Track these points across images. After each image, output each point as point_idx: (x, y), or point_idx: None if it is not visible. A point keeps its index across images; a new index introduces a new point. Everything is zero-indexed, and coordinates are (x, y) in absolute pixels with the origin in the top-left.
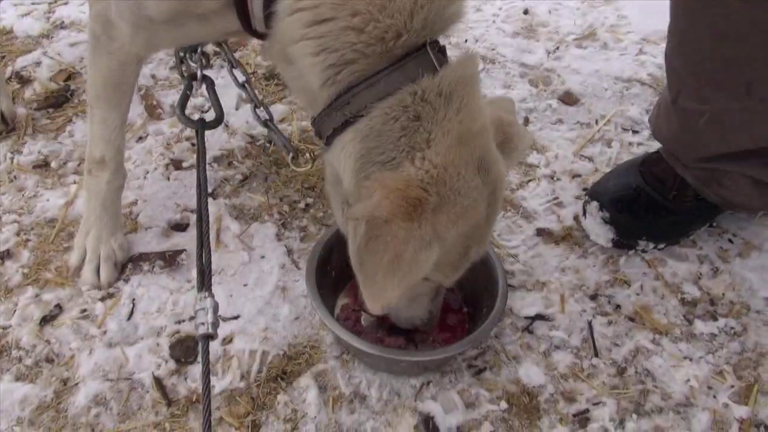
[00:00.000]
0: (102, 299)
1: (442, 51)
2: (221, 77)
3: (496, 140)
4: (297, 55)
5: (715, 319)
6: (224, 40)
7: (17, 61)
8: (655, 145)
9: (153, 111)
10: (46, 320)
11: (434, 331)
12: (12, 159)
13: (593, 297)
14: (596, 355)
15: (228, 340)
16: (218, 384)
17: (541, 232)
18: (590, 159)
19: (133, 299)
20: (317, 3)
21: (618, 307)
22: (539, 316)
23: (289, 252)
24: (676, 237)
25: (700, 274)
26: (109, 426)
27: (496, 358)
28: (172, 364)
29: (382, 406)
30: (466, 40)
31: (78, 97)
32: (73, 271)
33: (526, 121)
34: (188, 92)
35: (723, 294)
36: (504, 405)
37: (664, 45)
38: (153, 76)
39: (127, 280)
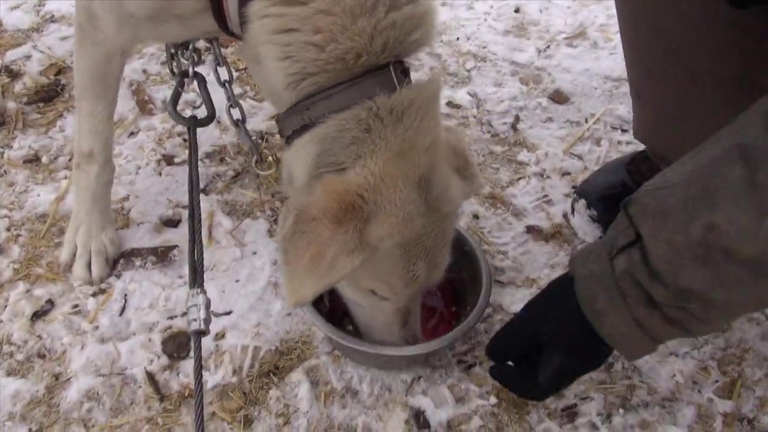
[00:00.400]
0: (94, 295)
1: (404, 72)
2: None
3: (456, 164)
4: (264, 57)
5: None
6: (214, 37)
7: (6, 54)
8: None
9: (144, 106)
10: (37, 315)
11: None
12: (2, 154)
13: None
14: None
15: (220, 336)
16: (210, 379)
17: (530, 230)
18: (580, 157)
19: (125, 295)
20: (284, 12)
21: None
22: None
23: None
24: None
25: None
26: (101, 421)
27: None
28: (164, 360)
29: (374, 400)
30: (458, 38)
31: (68, 91)
32: (63, 267)
33: (517, 119)
34: (180, 89)
35: None
36: (493, 400)
37: None
38: (144, 71)
39: (119, 276)
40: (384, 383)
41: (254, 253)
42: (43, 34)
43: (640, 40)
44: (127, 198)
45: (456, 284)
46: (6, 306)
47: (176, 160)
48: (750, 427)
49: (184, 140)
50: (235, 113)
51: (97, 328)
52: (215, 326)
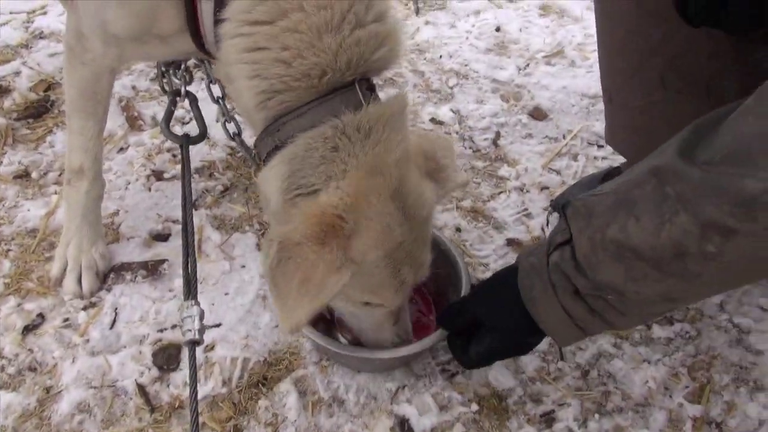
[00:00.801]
0: (84, 308)
1: (371, 89)
2: (201, 89)
3: (428, 169)
4: (235, 76)
5: (672, 324)
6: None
7: None
8: (619, 159)
9: (134, 122)
10: (28, 329)
11: None
12: None
13: None
14: (562, 358)
15: (210, 348)
16: (201, 390)
17: (511, 242)
18: (558, 172)
19: (116, 308)
20: (254, 31)
21: None
22: None
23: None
24: None
25: None
26: None
27: None
28: (155, 372)
29: (360, 409)
30: (441, 56)
31: (58, 107)
32: (54, 282)
33: (498, 135)
34: (172, 108)
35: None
36: (475, 407)
37: None
38: (134, 88)
39: (109, 290)
40: (369, 392)
41: (243, 266)
42: (32, 51)
43: (615, 43)
44: (117, 213)
45: (437, 280)
46: None
47: (166, 175)
48: (718, 431)
49: (174, 156)
50: (231, 127)
51: (87, 341)
52: (206, 336)
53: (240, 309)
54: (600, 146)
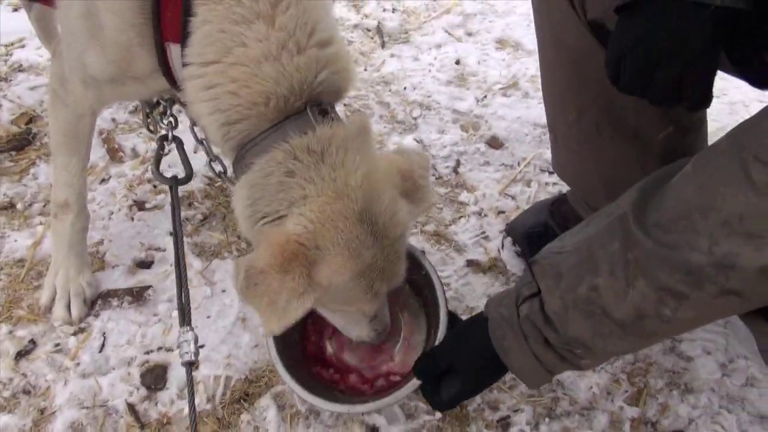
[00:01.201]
0: (74, 334)
1: (323, 113)
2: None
3: (405, 188)
4: (199, 114)
5: None
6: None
7: None
8: (567, 186)
9: (115, 154)
10: (21, 355)
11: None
12: None
13: None
14: None
15: (194, 367)
16: (187, 407)
17: (470, 263)
18: (513, 197)
19: (104, 333)
20: (207, 71)
21: None
22: None
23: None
24: None
25: None
26: None
27: None
28: (143, 391)
29: (334, 420)
30: (405, 88)
31: (40, 140)
32: (44, 309)
33: (458, 163)
34: (161, 152)
35: None
36: (438, 415)
37: None
38: (113, 120)
39: (97, 316)
40: None
41: (223, 291)
42: (12, 84)
43: (556, 97)
44: (101, 242)
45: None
46: None
47: (147, 205)
48: (653, 430)
49: (154, 186)
50: (217, 166)
51: (78, 364)
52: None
53: (222, 331)
54: (551, 173)
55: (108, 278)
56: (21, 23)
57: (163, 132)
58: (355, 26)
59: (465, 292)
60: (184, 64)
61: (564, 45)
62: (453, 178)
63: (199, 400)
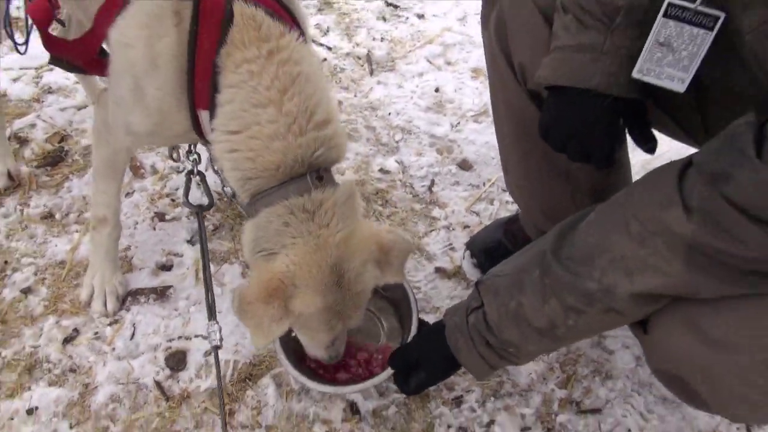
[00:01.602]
0: (110, 324)
1: (320, 178)
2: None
3: (377, 258)
4: (223, 167)
5: None
6: None
7: (14, 123)
8: None
9: (137, 171)
10: (66, 341)
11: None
12: (22, 211)
13: None
14: None
15: (209, 353)
16: (203, 384)
17: (438, 270)
18: (477, 214)
19: (134, 324)
20: (230, 139)
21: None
22: None
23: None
24: None
25: None
26: (123, 416)
27: None
28: (167, 371)
29: (320, 396)
30: (389, 113)
31: (71, 157)
32: (84, 304)
33: (432, 182)
34: (189, 185)
35: None
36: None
37: None
38: None
39: (128, 310)
40: None
41: (232, 290)
42: (44, 105)
43: (504, 141)
44: (128, 248)
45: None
46: (41, 334)
47: (167, 216)
48: (577, 408)
49: (172, 200)
50: (228, 190)
51: (114, 349)
52: (205, 345)
53: (231, 324)
54: None
55: (135, 279)
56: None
57: (189, 167)
58: (347, 54)
59: (432, 294)
60: (212, 129)
61: (510, 105)
62: (427, 196)
63: (213, 379)
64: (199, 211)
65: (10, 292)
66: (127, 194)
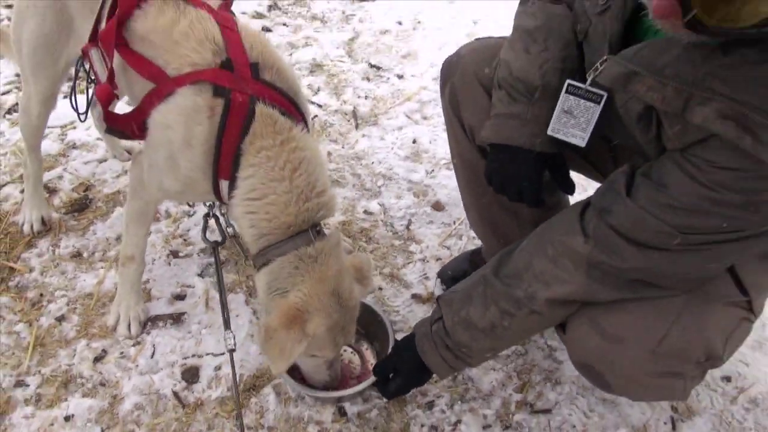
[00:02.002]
0: (133, 345)
1: (319, 232)
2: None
3: (358, 277)
4: (240, 225)
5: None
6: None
7: (44, 175)
8: None
9: (154, 215)
10: (97, 359)
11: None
12: (53, 251)
13: None
14: None
15: (218, 368)
16: (214, 394)
17: (414, 296)
18: (448, 248)
19: (154, 344)
20: (250, 203)
21: None
22: None
23: (254, 312)
24: None
25: None
26: (146, 421)
27: None
28: (183, 384)
29: (313, 402)
30: (372, 162)
31: (95, 204)
32: (111, 329)
33: (410, 222)
34: (206, 225)
35: None
36: (386, 400)
37: None
38: None
39: (148, 333)
40: None
41: (237, 315)
42: (69, 159)
43: (461, 185)
44: (148, 281)
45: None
46: (75, 354)
47: (180, 254)
48: (530, 408)
49: (185, 240)
50: (231, 230)
51: (137, 365)
52: (215, 361)
53: (236, 345)
54: None
55: (155, 307)
56: (71, 109)
57: (206, 211)
58: (336, 111)
59: (410, 317)
60: (232, 196)
61: (463, 157)
62: (405, 233)
63: (222, 389)
64: (215, 246)
65: (46, 320)
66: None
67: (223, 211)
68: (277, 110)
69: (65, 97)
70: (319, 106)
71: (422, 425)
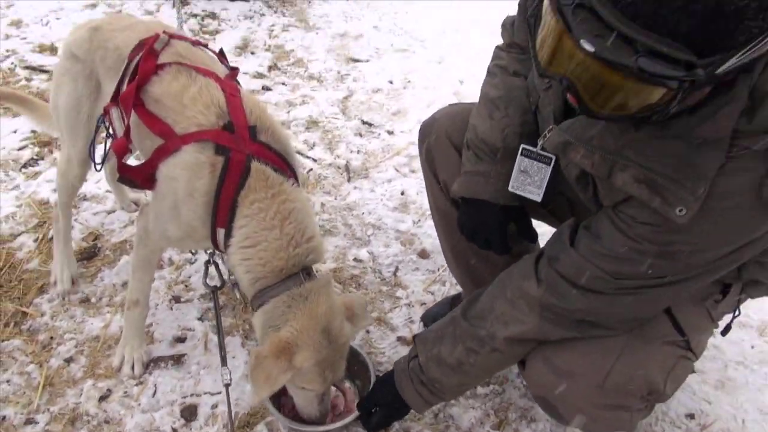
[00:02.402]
0: (136, 385)
1: (309, 274)
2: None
3: (348, 315)
4: (236, 271)
5: (489, 386)
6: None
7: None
8: None
9: (158, 263)
10: (102, 398)
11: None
12: (64, 297)
13: None
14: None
15: (215, 406)
16: (210, 431)
17: (399, 338)
18: (432, 293)
19: (155, 384)
20: (245, 251)
21: None
22: None
23: (249, 353)
24: None
25: None
26: None
27: None
28: (182, 421)
29: None
30: (363, 213)
31: (103, 252)
32: (116, 369)
33: (397, 269)
34: (207, 270)
35: None
36: None
37: None
38: None
39: (150, 373)
40: None
41: (233, 357)
42: (80, 210)
43: (440, 234)
44: (151, 324)
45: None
46: (81, 393)
47: (181, 299)
48: None
49: (186, 286)
50: (233, 278)
51: (139, 404)
52: (212, 400)
53: (232, 383)
54: None
55: (156, 349)
56: None
57: (207, 258)
58: (329, 164)
59: (395, 358)
60: (228, 244)
61: (439, 209)
62: (393, 280)
63: (218, 426)
64: (215, 290)
65: (56, 361)
66: None
67: (223, 258)
68: (270, 167)
69: None
70: (314, 160)
71: None
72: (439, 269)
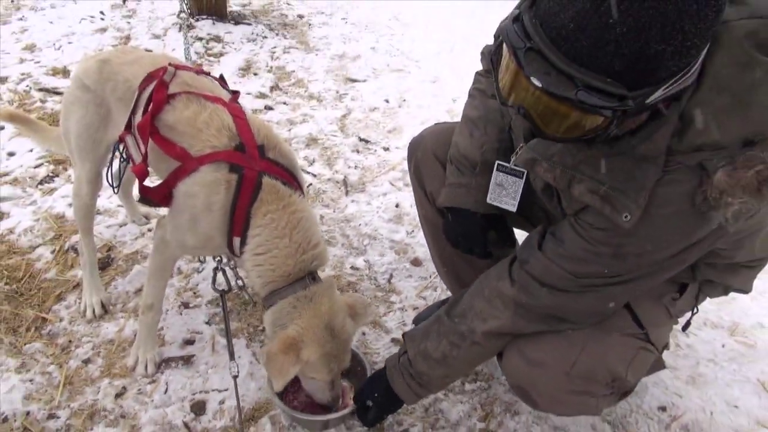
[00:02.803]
0: (150, 383)
1: (313, 278)
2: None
3: (351, 313)
4: (250, 275)
5: (476, 382)
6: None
7: (71, 238)
8: None
9: (172, 269)
10: (118, 395)
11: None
12: (80, 303)
13: None
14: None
15: (222, 401)
16: (218, 424)
17: (393, 340)
18: (424, 298)
19: (167, 382)
20: (257, 257)
21: None
22: None
23: (254, 354)
24: None
25: None
26: None
27: None
28: (192, 415)
29: (303, 426)
30: (359, 224)
31: (116, 262)
32: (130, 369)
33: (391, 276)
34: (215, 276)
35: (482, 369)
36: (366, 428)
37: None
38: None
39: (162, 372)
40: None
41: (239, 357)
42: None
43: (429, 241)
44: (162, 328)
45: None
46: (99, 391)
47: (190, 305)
48: None
49: (194, 293)
50: (240, 282)
51: (153, 400)
52: (219, 396)
53: (238, 380)
54: None
55: (168, 350)
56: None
57: (215, 265)
58: (328, 179)
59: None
60: (242, 251)
61: (427, 218)
62: (387, 286)
63: (225, 420)
64: (222, 294)
65: (74, 362)
66: None
67: (231, 265)
68: (279, 181)
69: None
70: (314, 175)
71: None
72: (430, 276)
